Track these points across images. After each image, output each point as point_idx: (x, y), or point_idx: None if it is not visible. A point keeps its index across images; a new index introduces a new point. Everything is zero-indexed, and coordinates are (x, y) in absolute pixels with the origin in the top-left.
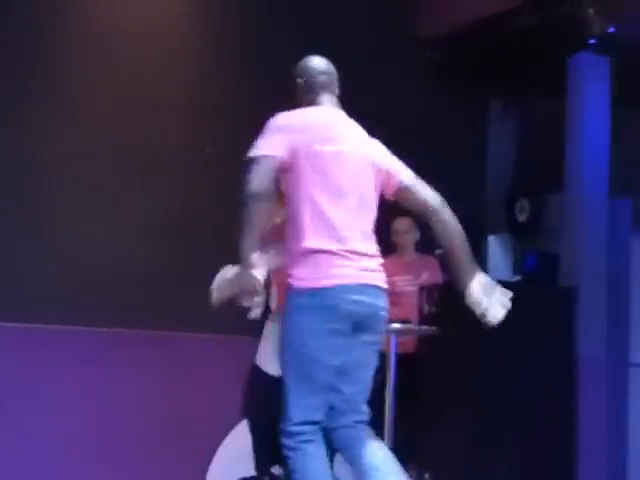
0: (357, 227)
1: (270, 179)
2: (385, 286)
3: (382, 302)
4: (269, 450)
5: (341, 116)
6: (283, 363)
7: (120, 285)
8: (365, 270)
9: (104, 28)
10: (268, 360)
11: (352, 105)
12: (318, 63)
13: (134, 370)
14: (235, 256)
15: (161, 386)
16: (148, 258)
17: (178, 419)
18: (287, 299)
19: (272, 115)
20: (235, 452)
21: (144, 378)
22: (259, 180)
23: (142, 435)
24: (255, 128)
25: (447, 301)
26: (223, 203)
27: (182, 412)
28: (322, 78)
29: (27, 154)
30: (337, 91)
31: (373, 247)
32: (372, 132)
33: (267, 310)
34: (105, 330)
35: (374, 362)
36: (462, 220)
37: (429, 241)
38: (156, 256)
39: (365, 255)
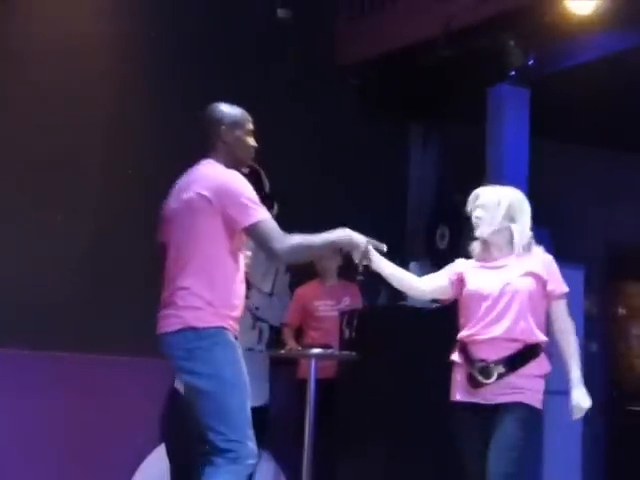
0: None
1: None
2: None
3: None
4: (186, 475)
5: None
6: None
7: (37, 307)
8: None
9: (23, 46)
10: None
11: (272, 134)
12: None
13: (50, 392)
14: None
15: (78, 408)
16: (68, 278)
17: (94, 442)
18: None
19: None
20: (151, 477)
21: (61, 400)
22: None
23: (58, 458)
24: (176, 150)
25: (366, 327)
26: (140, 227)
27: (98, 435)
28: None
29: None
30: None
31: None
32: (292, 161)
33: None
34: (20, 352)
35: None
36: None
37: (351, 267)
38: (75, 277)
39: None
